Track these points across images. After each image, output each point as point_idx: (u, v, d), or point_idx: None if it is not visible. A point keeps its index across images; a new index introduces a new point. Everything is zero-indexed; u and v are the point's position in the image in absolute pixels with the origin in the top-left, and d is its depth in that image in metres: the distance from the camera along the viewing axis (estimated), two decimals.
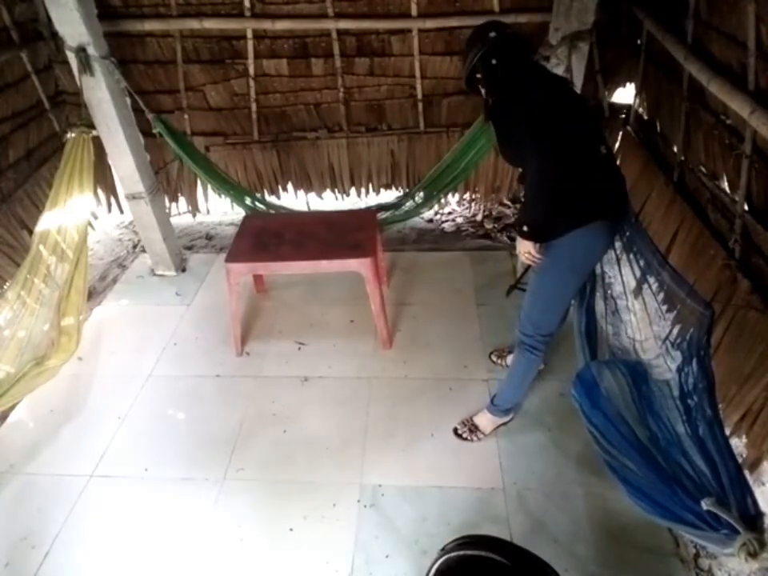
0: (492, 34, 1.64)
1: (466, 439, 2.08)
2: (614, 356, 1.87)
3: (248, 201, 3.17)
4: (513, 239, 3.32)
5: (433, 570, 0.65)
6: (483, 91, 1.72)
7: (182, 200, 3.51)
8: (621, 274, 2.03)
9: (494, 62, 1.64)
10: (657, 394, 1.58)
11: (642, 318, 2.21)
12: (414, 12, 2.84)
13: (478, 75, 1.68)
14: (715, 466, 1.28)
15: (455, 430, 2.12)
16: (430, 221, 3.61)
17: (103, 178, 3.30)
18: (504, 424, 2.11)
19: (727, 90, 1.84)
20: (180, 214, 3.62)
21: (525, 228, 1.67)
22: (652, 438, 1.46)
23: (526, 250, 1.71)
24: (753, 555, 1.06)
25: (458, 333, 2.62)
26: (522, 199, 1.71)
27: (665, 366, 1.71)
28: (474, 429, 2.09)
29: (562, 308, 1.87)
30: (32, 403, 2.36)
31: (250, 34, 2.94)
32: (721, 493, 1.19)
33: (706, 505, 1.14)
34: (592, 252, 1.74)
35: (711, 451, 1.31)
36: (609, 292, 2.01)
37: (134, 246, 3.48)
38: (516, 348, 1.99)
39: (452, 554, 0.65)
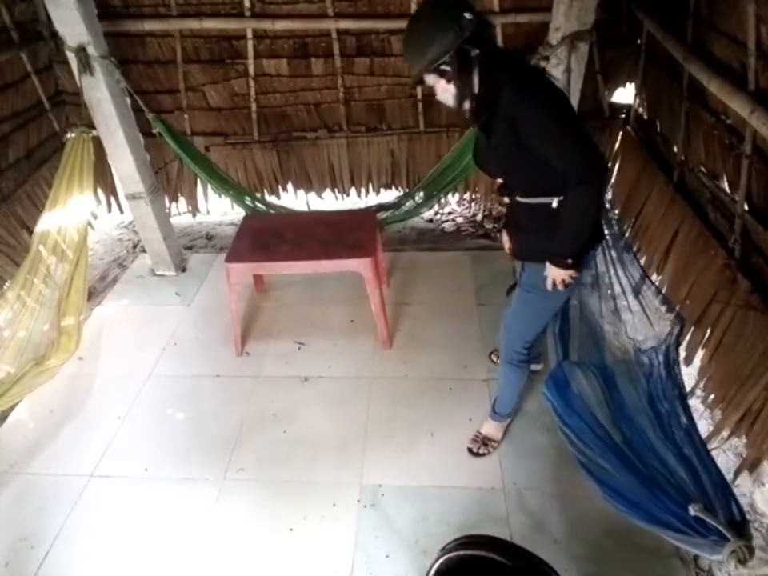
0: (467, 15, 1.28)
1: (483, 454, 2.04)
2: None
3: (248, 201, 3.17)
4: None
5: (433, 570, 0.65)
6: (446, 86, 1.38)
7: (182, 200, 3.51)
8: (618, 275, 2.04)
9: (474, 53, 1.31)
10: (626, 398, 1.59)
11: (640, 320, 2.21)
12: (413, 12, 2.84)
13: (446, 68, 1.32)
14: (696, 473, 1.28)
15: (470, 450, 2.06)
16: (430, 221, 3.61)
17: (103, 177, 3.30)
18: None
19: (727, 90, 1.84)
20: (180, 213, 3.62)
21: (570, 260, 1.46)
22: (626, 441, 1.47)
23: (564, 276, 1.51)
24: (742, 562, 1.06)
25: (457, 333, 2.62)
26: (567, 223, 1.42)
27: (636, 370, 1.73)
28: (486, 441, 2.06)
29: (551, 317, 1.80)
30: (32, 403, 2.36)
31: (250, 34, 2.94)
32: (705, 499, 1.19)
33: (693, 511, 1.14)
34: (587, 261, 1.67)
35: (691, 458, 1.32)
36: (608, 292, 2.02)
37: (134, 246, 3.48)
38: (504, 364, 1.91)
39: (452, 554, 0.65)
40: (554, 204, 1.43)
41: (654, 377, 1.59)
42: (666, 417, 1.47)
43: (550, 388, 1.63)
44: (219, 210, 3.72)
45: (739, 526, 1.11)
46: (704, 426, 2.12)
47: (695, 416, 2.15)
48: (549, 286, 1.56)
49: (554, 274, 1.52)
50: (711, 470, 1.27)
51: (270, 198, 3.44)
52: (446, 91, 1.39)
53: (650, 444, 1.43)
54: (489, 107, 1.36)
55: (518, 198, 1.54)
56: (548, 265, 1.52)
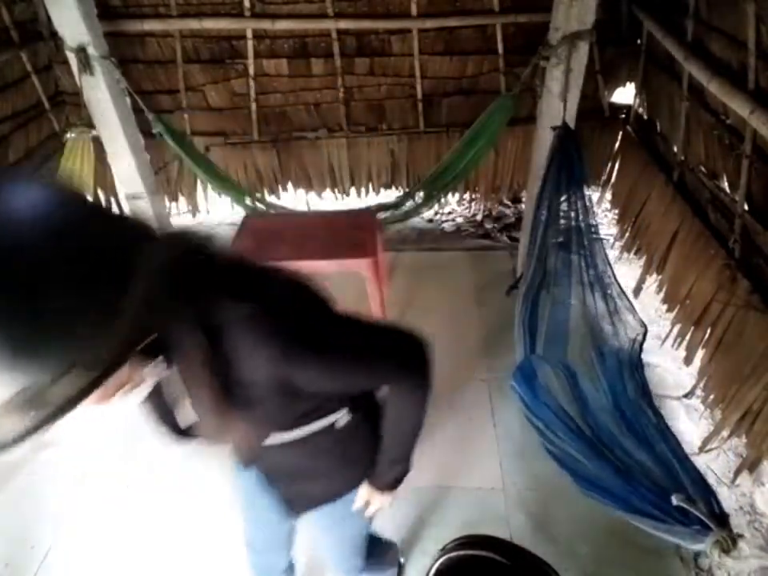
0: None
1: None
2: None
3: (248, 201, 3.17)
4: (513, 239, 3.32)
5: (433, 570, 0.65)
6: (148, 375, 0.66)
7: (182, 200, 3.51)
8: (613, 275, 2.05)
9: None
10: (590, 398, 1.61)
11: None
12: (413, 12, 2.84)
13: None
14: (672, 469, 1.29)
15: None
16: (430, 221, 3.61)
17: (103, 177, 3.29)
18: None
19: (727, 90, 1.84)
20: (180, 214, 3.61)
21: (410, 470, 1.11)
22: (595, 435, 1.48)
23: (387, 501, 1.15)
24: (726, 552, 1.07)
25: (457, 333, 2.61)
26: (399, 434, 1.10)
27: (598, 372, 1.74)
28: None
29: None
30: None
31: (249, 34, 2.94)
32: (684, 492, 1.20)
33: (676, 500, 1.15)
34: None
35: (665, 455, 1.33)
36: (599, 293, 2.04)
37: None
38: None
39: (452, 554, 0.65)
40: (341, 421, 0.95)
41: (616, 379, 1.62)
42: (632, 417, 1.50)
43: (518, 380, 1.65)
44: (219, 210, 3.71)
45: (720, 517, 1.12)
46: (704, 426, 2.12)
47: (695, 416, 2.16)
48: (367, 514, 1.16)
49: (377, 500, 1.12)
50: (688, 467, 1.29)
51: (270, 198, 3.44)
52: (145, 387, 0.66)
53: (619, 442, 1.45)
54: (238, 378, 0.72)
55: (278, 437, 0.90)
56: (366, 488, 1.10)
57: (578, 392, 1.63)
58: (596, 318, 1.96)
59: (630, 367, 1.65)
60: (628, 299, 1.90)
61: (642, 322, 1.74)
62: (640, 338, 1.70)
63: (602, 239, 2.15)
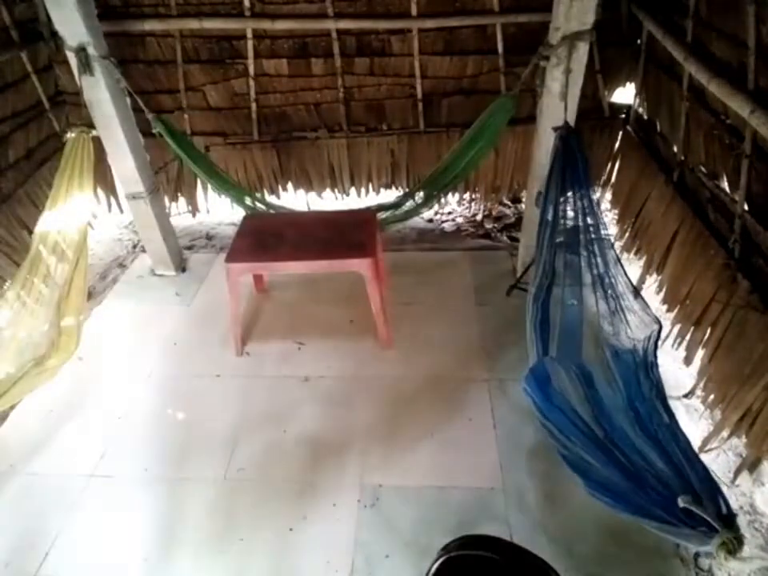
0: None
1: None
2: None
3: (248, 201, 3.17)
4: (513, 239, 3.32)
5: (433, 570, 0.65)
6: None
7: (182, 200, 3.51)
8: (623, 273, 2.04)
9: None
10: (605, 398, 1.60)
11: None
12: (413, 12, 2.84)
13: None
14: (682, 469, 1.29)
15: None
16: (430, 221, 3.61)
17: (103, 177, 3.30)
18: None
19: (727, 90, 1.84)
20: (180, 214, 3.61)
21: None
22: (608, 438, 1.48)
23: None
24: (731, 553, 1.06)
25: (457, 333, 2.62)
26: None
27: (613, 372, 1.73)
28: None
29: None
30: (32, 403, 2.35)
31: (249, 34, 2.94)
32: (692, 493, 1.19)
33: (683, 502, 1.14)
34: None
35: (675, 455, 1.33)
36: (609, 292, 2.03)
37: (134, 246, 3.48)
38: None
39: (452, 554, 0.65)
40: None
41: (631, 378, 1.60)
42: (646, 416, 1.49)
43: (530, 383, 1.64)
44: (219, 210, 3.71)
45: (727, 518, 1.12)
46: (704, 426, 2.12)
47: (695, 416, 2.16)
48: None
49: None
50: (697, 467, 1.28)
51: (270, 198, 3.43)
52: None
53: (632, 442, 1.44)
54: None
55: None
56: None
57: (593, 393, 1.62)
58: (608, 316, 1.96)
59: (644, 365, 1.63)
60: (640, 296, 1.88)
61: (657, 318, 1.71)
62: (655, 334, 1.67)
63: (608, 238, 2.14)
